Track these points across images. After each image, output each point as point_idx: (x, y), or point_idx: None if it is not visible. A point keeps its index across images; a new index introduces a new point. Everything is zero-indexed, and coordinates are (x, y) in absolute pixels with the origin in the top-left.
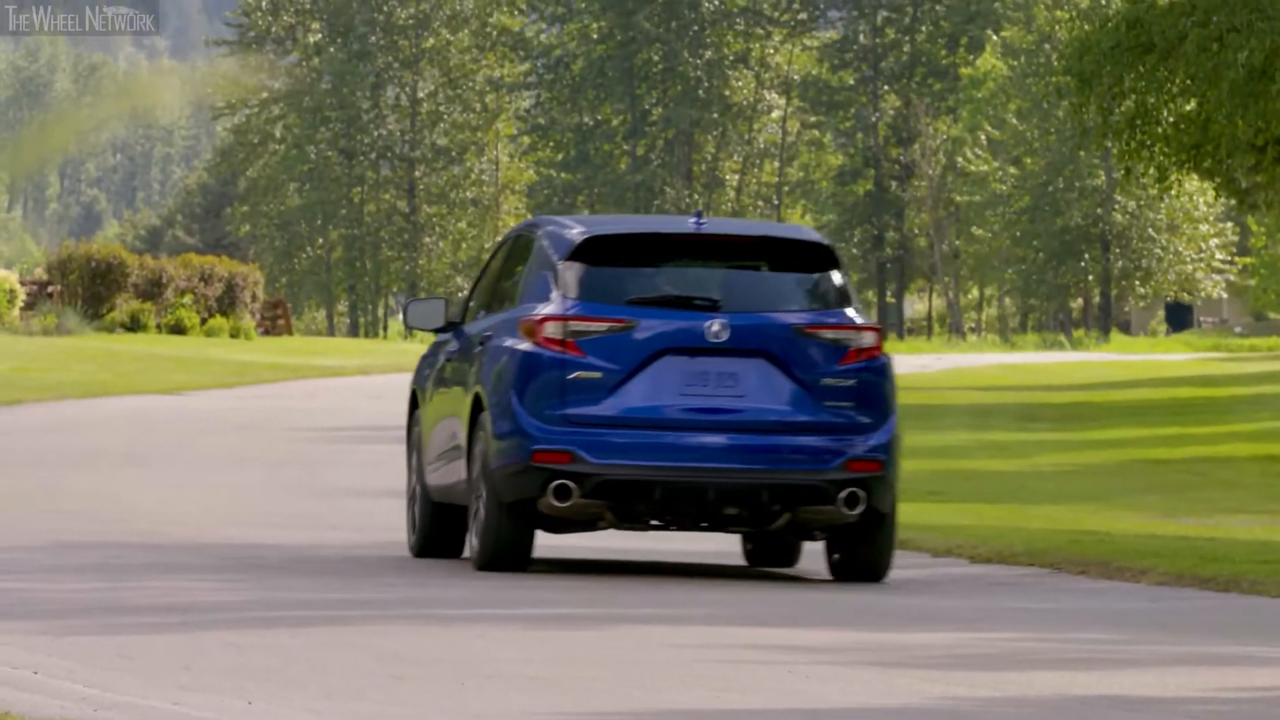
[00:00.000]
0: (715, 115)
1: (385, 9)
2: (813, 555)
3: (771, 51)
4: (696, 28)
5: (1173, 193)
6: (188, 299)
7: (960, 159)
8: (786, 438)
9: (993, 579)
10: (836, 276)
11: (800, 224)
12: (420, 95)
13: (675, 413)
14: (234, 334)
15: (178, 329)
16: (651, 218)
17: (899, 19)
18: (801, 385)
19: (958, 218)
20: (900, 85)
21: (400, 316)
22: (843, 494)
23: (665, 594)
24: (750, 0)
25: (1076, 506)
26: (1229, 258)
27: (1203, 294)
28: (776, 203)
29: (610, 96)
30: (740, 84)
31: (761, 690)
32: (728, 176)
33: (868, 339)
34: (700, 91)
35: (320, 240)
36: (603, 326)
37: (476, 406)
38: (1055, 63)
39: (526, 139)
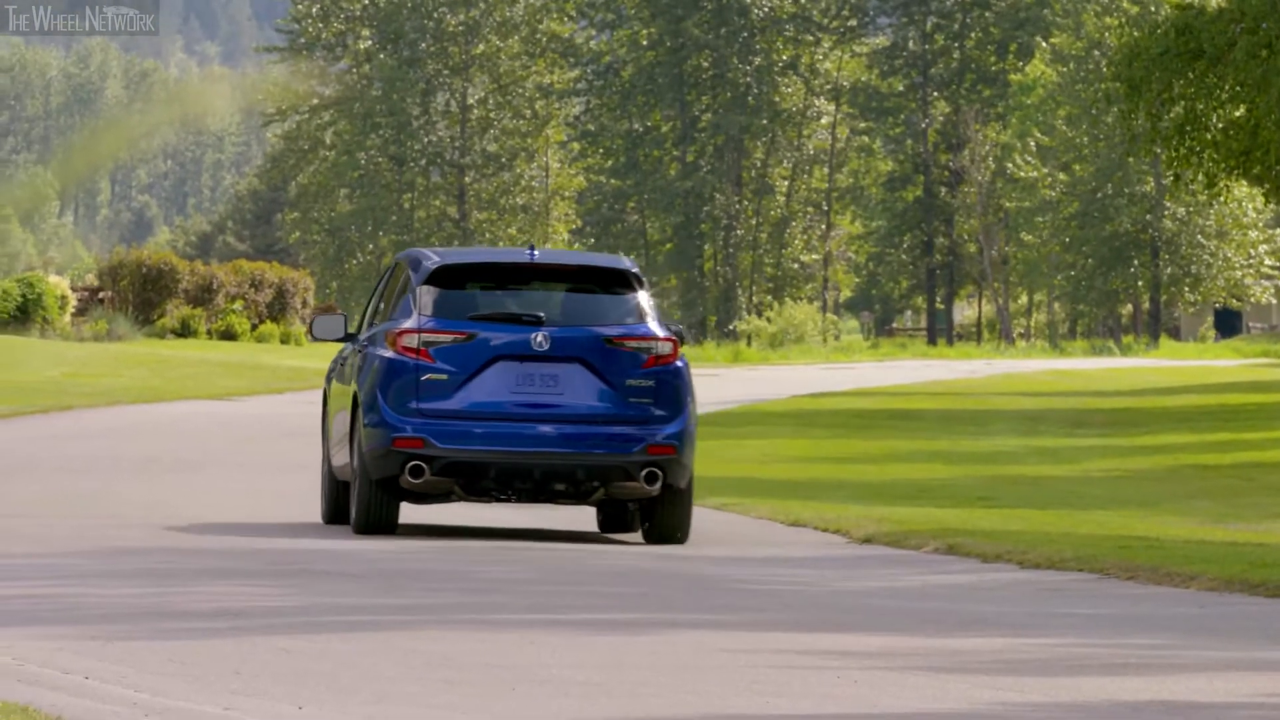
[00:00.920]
0: (765, 121)
1: (436, 15)
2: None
3: (821, 58)
4: (746, 34)
5: (1222, 199)
6: (238, 305)
7: (1009, 165)
8: (598, 427)
9: (1042, 584)
10: (642, 296)
11: (615, 255)
12: (470, 101)
13: (507, 407)
14: (284, 340)
15: (228, 335)
16: (495, 249)
17: (948, 25)
18: (610, 385)
19: (1007, 224)
20: (950, 91)
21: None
22: (644, 473)
23: (716, 599)
24: (800, 7)
25: (1126, 512)
26: (1278, 263)
27: (1252, 300)
28: (826, 209)
29: (660, 103)
30: (790, 90)
31: (813, 695)
32: (777, 183)
33: (665, 348)
34: (750, 98)
35: (370, 246)
36: (449, 338)
37: (355, 402)
38: (1105, 69)
39: (576, 145)
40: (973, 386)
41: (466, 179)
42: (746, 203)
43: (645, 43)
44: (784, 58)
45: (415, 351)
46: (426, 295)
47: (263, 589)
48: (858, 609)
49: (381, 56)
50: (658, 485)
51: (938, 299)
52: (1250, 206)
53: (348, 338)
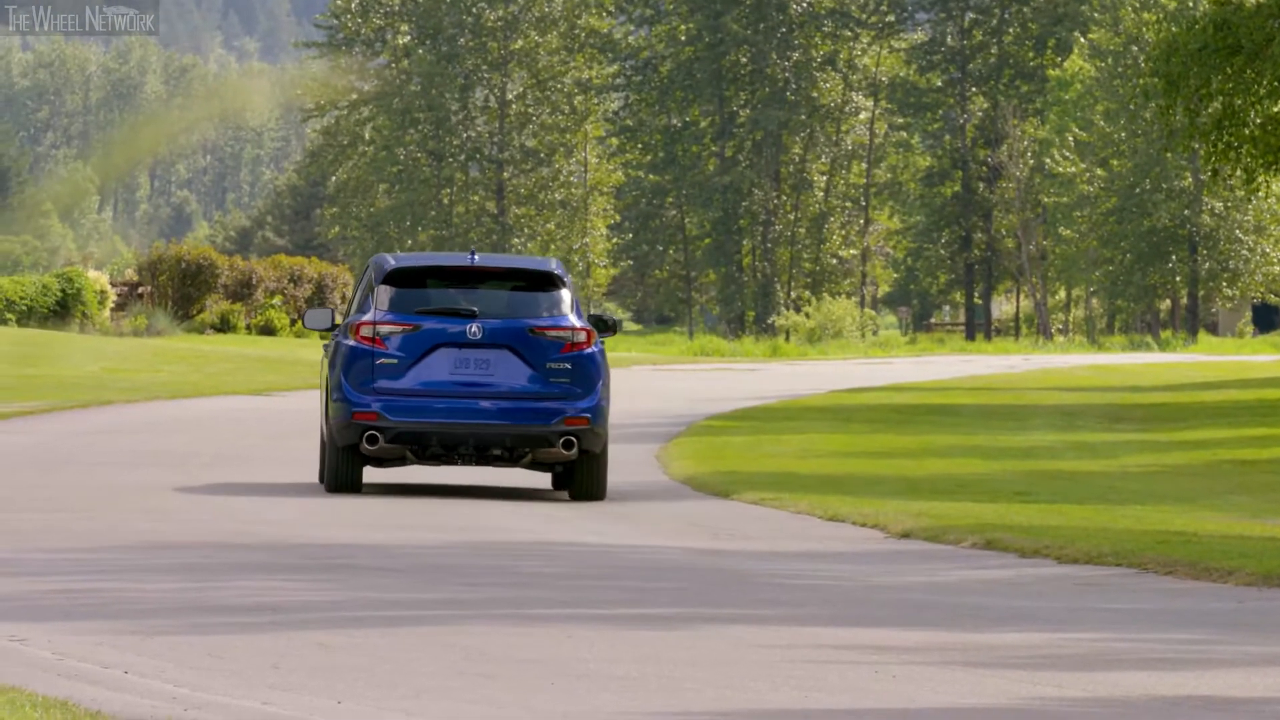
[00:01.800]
0: (803, 117)
1: (474, 11)
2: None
3: (859, 53)
4: (784, 30)
5: (1260, 194)
6: (277, 300)
7: (1047, 160)
8: (523, 403)
9: (1080, 579)
10: (564, 293)
11: (544, 258)
12: (509, 97)
13: (448, 386)
14: (324, 335)
15: (267, 330)
16: (442, 254)
17: (986, 21)
18: (533, 368)
19: (1045, 219)
20: (988, 87)
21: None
22: (562, 440)
23: (754, 594)
24: (838, 2)
25: (1164, 507)
26: None
27: None
28: (864, 204)
29: (698, 98)
30: (828, 86)
31: (850, 690)
32: (815, 178)
33: (580, 336)
34: (788, 93)
35: (409, 241)
36: (399, 328)
37: (326, 382)
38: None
39: (615, 140)
40: (1011, 382)
41: (505, 174)
42: (785, 198)
43: (684, 38)
44: (822, 53)
45: (371, 340)
46: (383, 293)
47: (301, 584)
48: (895, 604)
49: (420, 52)
50: (575, 451)
51: (976, 294)
52: None
53: (334, 328)
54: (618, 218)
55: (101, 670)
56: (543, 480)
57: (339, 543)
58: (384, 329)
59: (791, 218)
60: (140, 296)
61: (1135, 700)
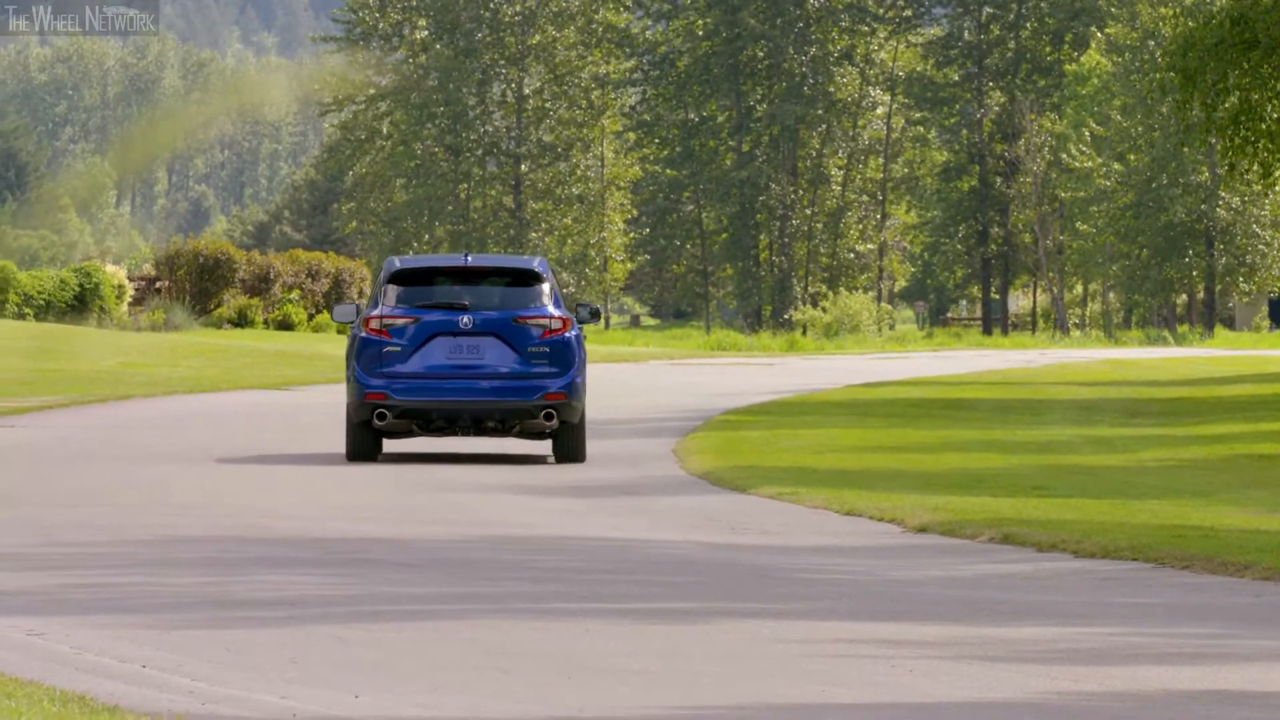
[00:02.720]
0: (820, 111)
1: (491, 6)
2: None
3: (876, 48)
4: (801, 24)
5: (1277, 188)
6: (295, 295)
7: (1064, 155)
8: (509, 382)
9: (1097, 574)
10: (544, 287)
11: (528, 257)
12: (526, 92)
13: (444, 369)
14: (341, 330)
15: (285, 325)
16: (441, 256)
17: (1003, 15)
18: (517, 352)
19: (1062, 213)
20: (1005, 82)
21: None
22: (543, 413)
23: (772, 588)
24: None
25: (1181, 502)
26: None
27: None
28: (881, 198)
29: (715, 93)
30: (845, 80)
31: (868, 684)
32: (832, 172)
33: (557, 324)
34: (805, 88)
35: (427, 236)
36: (402, 321)
37: (347, 367)
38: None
39: (632, 135)
40: (1027, 376)
41: (522, 169)
42: (802, 192)
43: (701, 33)
44: (839, 48)
45: (379, 331)
46: (390, 291)
47: (319, 578)
48: (913, 598)
49: (438, 47)
50: (555, 421)
51: (993, 289)
52: None
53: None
54: (635, 212)
55: (119, 664)
56: (544, 447)
57: (357, 537)
58: (389, 321)
59: (808, 212)
60: (158, 291)
61: (1152, 695)
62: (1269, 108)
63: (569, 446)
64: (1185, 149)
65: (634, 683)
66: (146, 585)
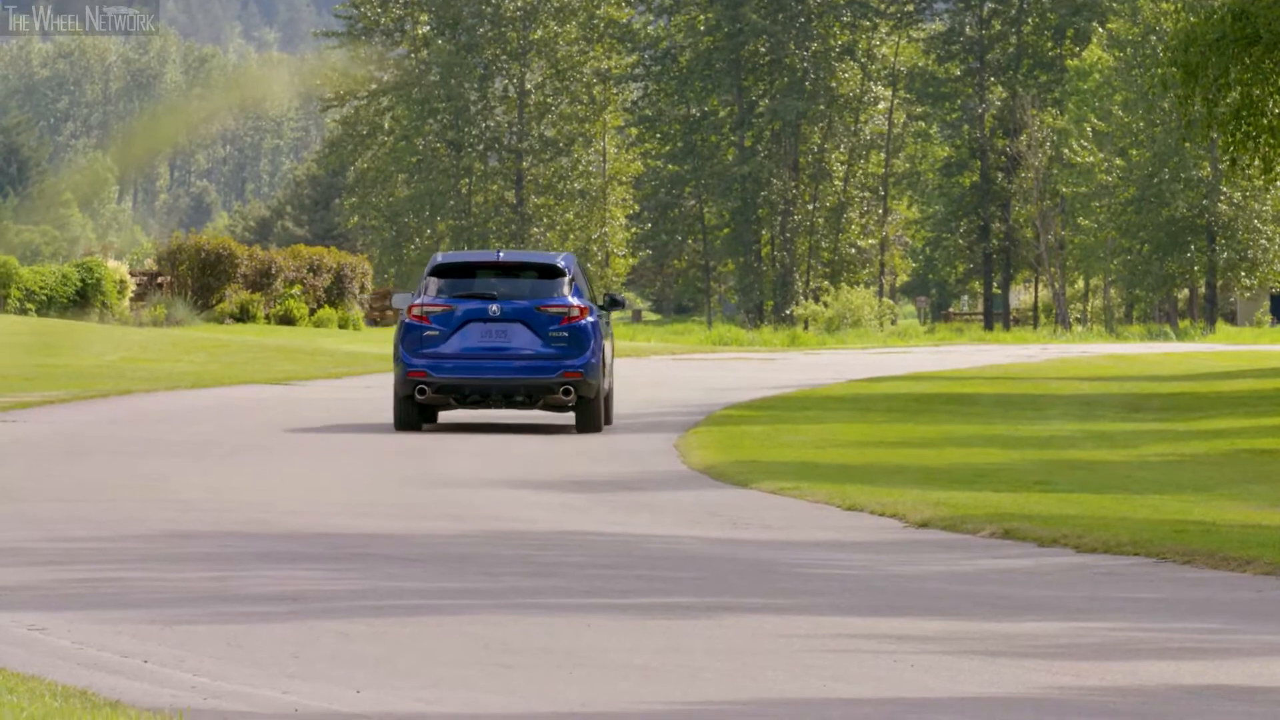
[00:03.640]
0: (822, 107)
1: (493, 1)
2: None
3: (878, 43)
4: (803, 19)
5: (1278, 184)
6: (296, 290)
7: (1066, 150)
8: (532, 362)
9: (1099, 569)
10: (565, 280)
11: (552, 253)
12: (528, 87)
13: (476, 351)
14: (342, 324)
15: (287, 320)
16: (476, 252)
17: (1005, 11)
18: (540, 336)
19: (1063, 209)
20: (1006, 77)
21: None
22: (561, 389)
23: (773, 583)
24: None
25: (1182, 497)
26: None
27: None
28: (883, 194)
29: (717, 88)
30: (847, 76)
31: (869, 679)
32: (834, 168)
33: (575, 312)
34: (807, 83)
35: (428, 231)
36: (440, 309)
37: (395, 349)
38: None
39: (634, 130)
40: (1029, 371)
41: (524, 164)
42: (803, 187)
43: (703, 28)
44: (841, 43)
45: (420, 317)
46: (431, 283)
47: (321, 573)
48: (914, 593)
49: (439, 42)
50: (573, 396)
51: (994, 284)
52: None
53: None
54: (636, 208)
55: (121, 659)
56: (568, 419)
57: (358, 532)
58: (430, 309)
59: (810, 207)
60: (160, 286)
61: (1153, 689)
62: (1270, 103)
63: (588, 418)
64: (1187, 144)
65: (635, 677)
66: (148, 580)
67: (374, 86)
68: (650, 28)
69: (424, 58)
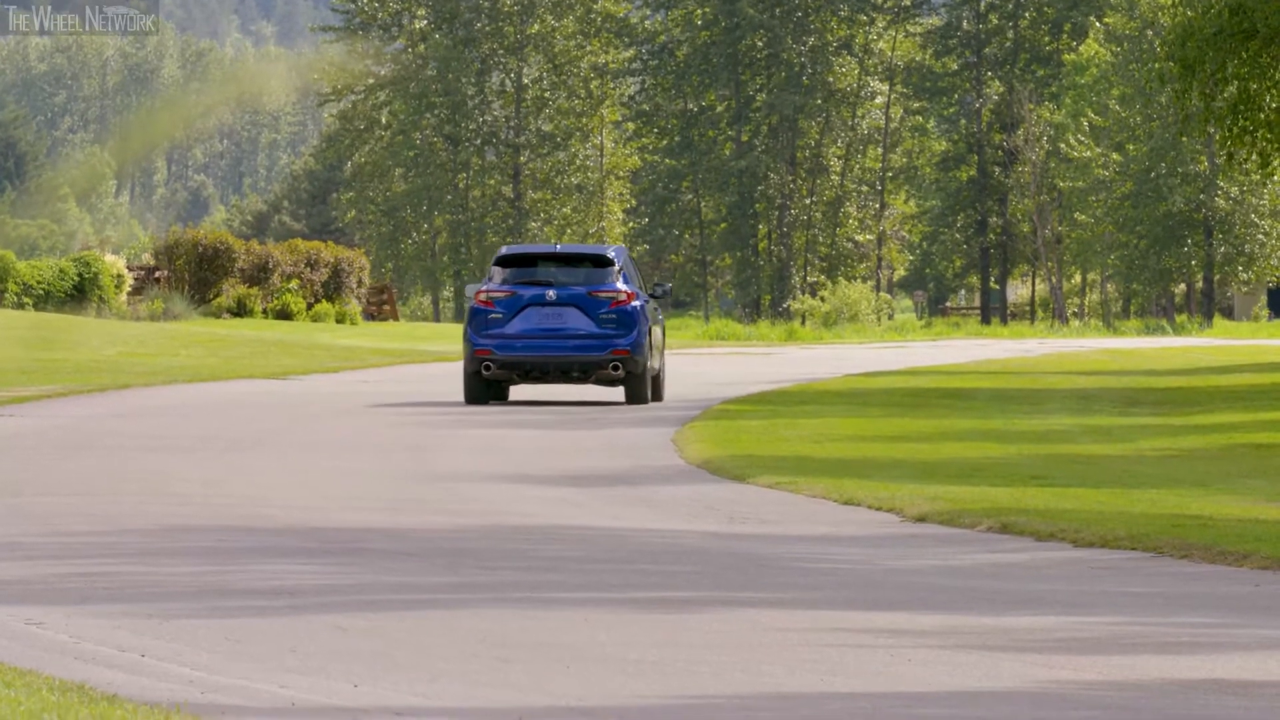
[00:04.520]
0: (819, 101)
1: None
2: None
3: (875, 38)
4: (800, 14)
5: (1275, 178)
6: (294, 284)
7: (1063, 145)
8: (585, 341)
9: (1096, 563)
10: (614, 269)
11: (603, 245)
12: (525, 81)
13: (535, 332)
14: (340, 319)
15: (284, 314)
16: (536, 244)
17: (1002, 5)
18: (591, 318)
19: (1060, 203)
20: (1003, 71)
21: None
22: (610, 365)
23: (770, 577)
24: None
25: (1180, 491)
26: None
27: None
28: (880, 188)
29: (714, 83)
30: (844, 70)
31: (866, 674)
32: (831, 162)
33: (622, 296)
34: (804, 78)
35: (426, 226)
36: (502, 294)
37: (464, 331)
38: (1158, 49)
39: (631, 125)
40: (1026, 366)
41: (521, 158)
42: (801, 182)
43: (700, 22)
44: (838, 37)
45: (486, 302)
46: (497, 272)
47: (319, 567)
48: (911, 587)
49: (437, 36)
50: (621, 372)
51: (991, 278)
52: None
53: None
54: (634, 202)
55: (118, 654)
56: (617, 394)
57: (356, 527)
58: (494, 294)
59: (807, 202)
60: (157, 281)
61: (1151, 684)
62: (1267, 97)
63: (635, 391)
64: (1184, 138)
65: (632, 672)
66: (145, 574)
67: (371, 81)
68: (647, 22)
69: (421, 52)
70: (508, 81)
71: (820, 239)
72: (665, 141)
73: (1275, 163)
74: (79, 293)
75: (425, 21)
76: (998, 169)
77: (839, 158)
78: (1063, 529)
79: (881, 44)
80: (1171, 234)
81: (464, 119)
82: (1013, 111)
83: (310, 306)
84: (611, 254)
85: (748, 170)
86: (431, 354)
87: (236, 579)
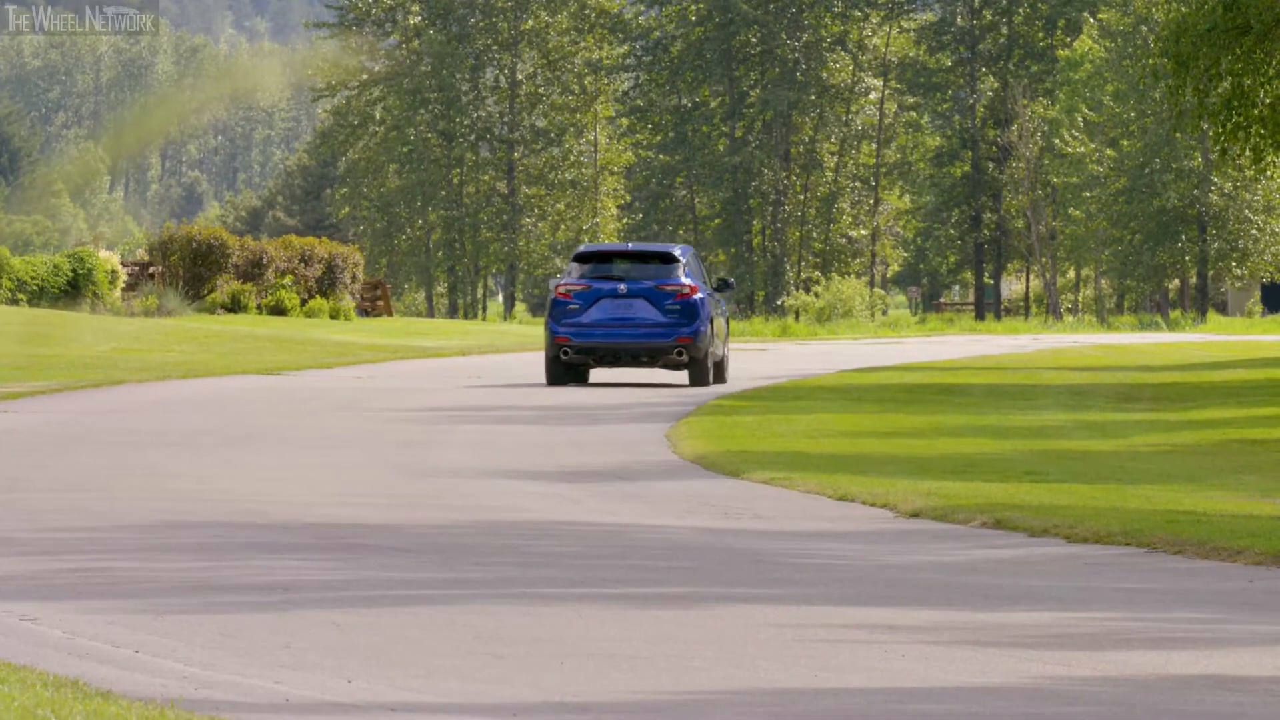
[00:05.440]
0: (813, 97)
1: None
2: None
3: (869, 33)
4: (794, 10)
5: (1269, 173)
6: (288, 280)
7: (1057, 140)
8: (653, 329)
9: (1090, 559)
10: (679, 265)
11: (670, 244)
12: (519, 77)
13: (607, 321)
14: (334, 315)
15: (278, 310)
16: (609, 243)
17: (996, 1)
18: (657, 309)
19: (1054, 199)
20: (998, 67)
21: (499, 297)
22: (675, 350)
23: (765, 573)
24: None
25: (1173, 486)
26: None
27: None
28: (874, 184)
29: (708, 78)
30: (838, 66)
31: (860, 669)
32: (825, 158)
33: (686, 289)
34: (798, 73)
35: (420, 221)
36: (579, 287)
37: (545, 320)
38: (1152, 45)
39: (625, 121)
40: (1020, 361)
41: (515, 154)
42: (794, 178)
43: (694, 18)
44: (832, 33)
45: (564, 294)
46: (574, 267)
47: (313, 563)
48: (905, 583)
49: (431, 32)
50: (685, 357)
51: (985, 274)
52: None
53: None
54: (628, 198)
55: (112, 649)
56: (680, 377)
57: (350, 522)
58: (571, 287)
59: (801, 198)
60: (151, 276)
61: (1145, 679)
62: (1261, 93)
63: (698, 375)
64: (1178, 134)
65: (627, 667)
66: (140, 570)
67: (365, 77)
68: (641, 18)
69: (415, 48)
70: (501, 77)
71: (814, 235)
72: (659, 137)
73: (1269, 158)
74: (73, 288)
75: (419, 17)
76: (992, 165)
77: (833, 153)
78: (1056, 525)
79: (875, 40)
80: (1165, 230)
81: (458, 115)
82: (1007, 107)
83: (304, 302)
84: (677, 252)
85: (741, 166)
86: (425, 350)
87: (231, 574)
